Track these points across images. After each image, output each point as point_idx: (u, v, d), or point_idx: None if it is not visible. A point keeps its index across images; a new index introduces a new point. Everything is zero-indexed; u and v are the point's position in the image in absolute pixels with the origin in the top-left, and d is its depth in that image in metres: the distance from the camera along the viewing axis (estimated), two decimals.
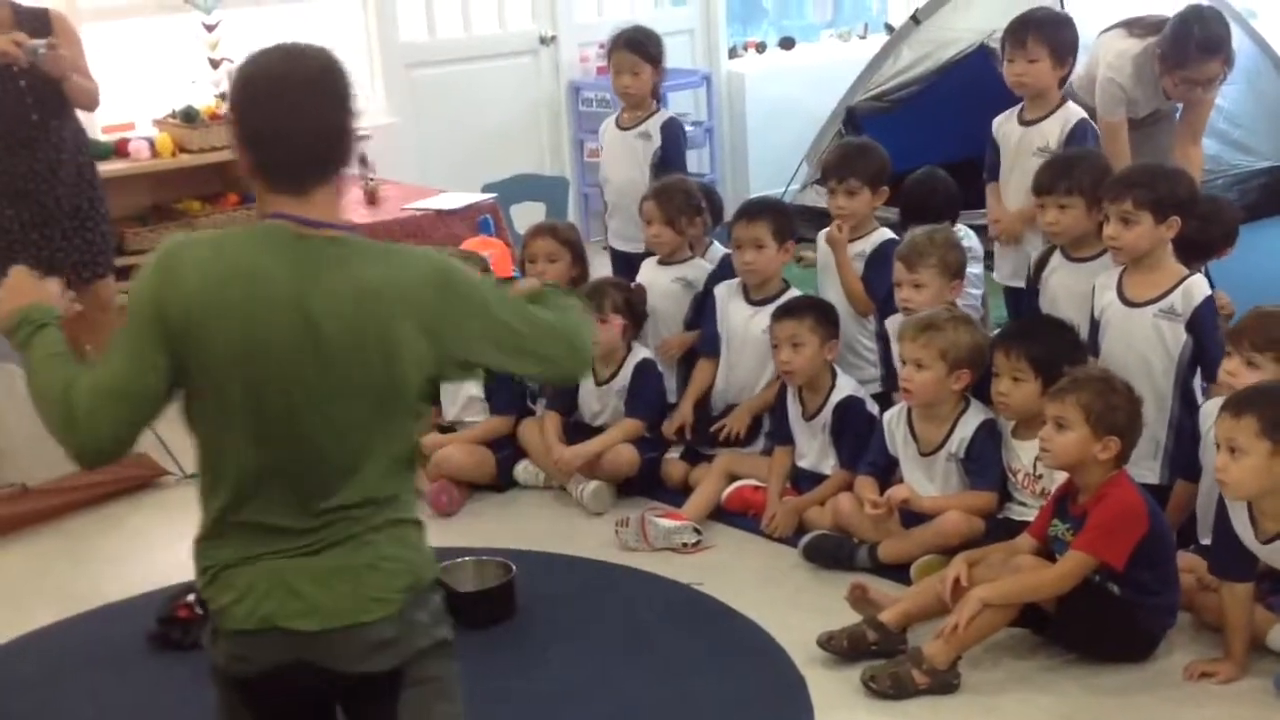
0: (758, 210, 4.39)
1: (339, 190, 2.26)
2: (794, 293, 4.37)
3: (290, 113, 2.22)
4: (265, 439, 2.24)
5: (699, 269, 4.65)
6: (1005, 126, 4.46)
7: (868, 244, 4.38)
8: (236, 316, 2.20)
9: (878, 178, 4.37)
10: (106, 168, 5.82)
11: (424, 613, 2.31)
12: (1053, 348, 3.60)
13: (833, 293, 4.41)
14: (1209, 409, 3.45)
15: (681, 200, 4.60)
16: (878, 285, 4.29)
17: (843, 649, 3.29)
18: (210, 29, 6.13)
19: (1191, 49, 4.60)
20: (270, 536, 2.27)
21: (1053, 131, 4.30)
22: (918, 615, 3.34)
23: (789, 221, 4.43)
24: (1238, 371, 3.35)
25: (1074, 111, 4.37)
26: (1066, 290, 3.96)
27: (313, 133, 2.22)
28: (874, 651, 3.27)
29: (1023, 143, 4.35)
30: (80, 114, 4.98)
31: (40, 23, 4.78)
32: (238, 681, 2.31)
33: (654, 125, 5.01)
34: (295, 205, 2.22)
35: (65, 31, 4.86)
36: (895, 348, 4.13)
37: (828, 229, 4.47)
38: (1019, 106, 4.42)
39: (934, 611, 3.32)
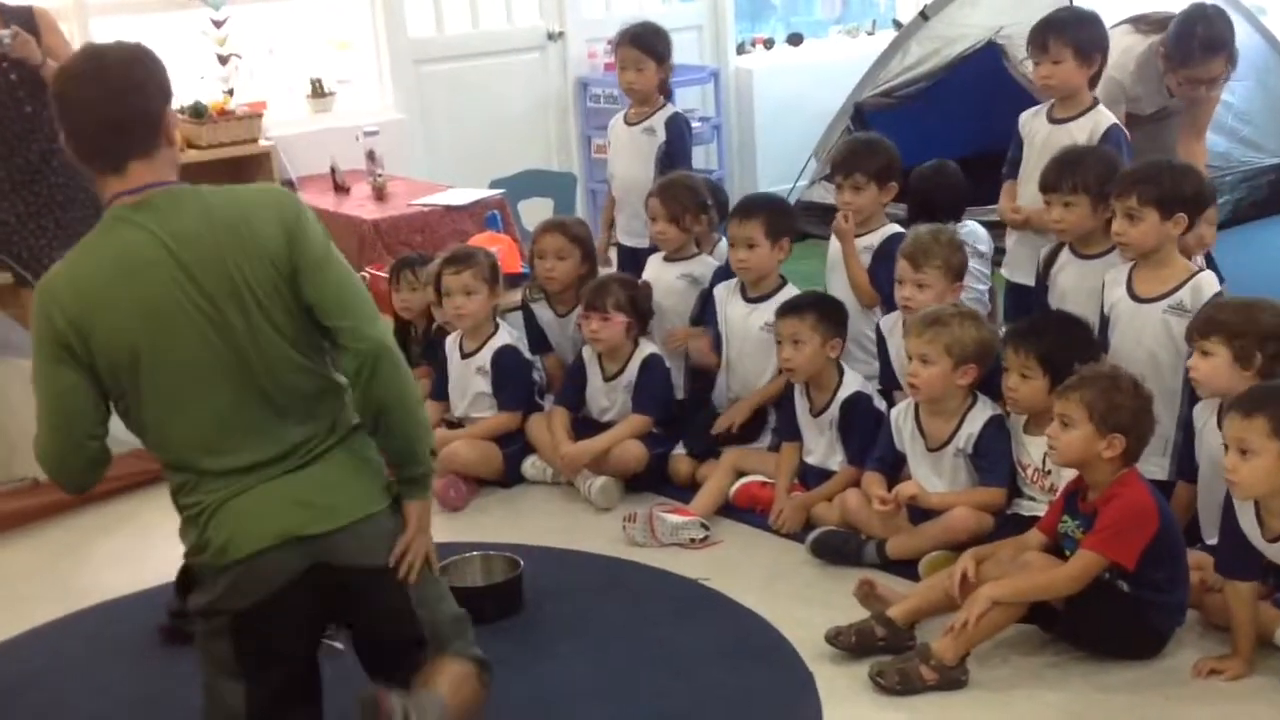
0: (751, 209, 4.38)
1: (161, 162, 2.59)
2: (791, 289, 4.37)
3: (86, 105, 2.55)
4: (211, 393, 2.56)
5: (705, 265, 4.65)
6: (1033, 123, 4.39)
7: (875, 238, 4.39)
8: (123, 300, 2.51)
9: (884, 173, 4.37)
10: None
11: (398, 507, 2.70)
12: (1062, 345, 3.59)
13: (841, 287, 4.42)
14: (1201, 408, 3.46)
15: (686, 197, 4.60)
16: (884, 280, 4.29)
17: (850, 645, 3.29)
18: (219, 25, 6.15)
19: (1195, 48, 4.60)
20: (251, 473, 2.59)
21: (1082, 133, 4.22)
22: (926, 611, 3.34)
23: (785, 219, 4.42)
24: (1195, 364, 3.37)
25: (1105, 116, 4.26)
26: (1075, 286, 3.97)
27: (107, 120, 2.54)
28: (882, 647, 3.27)
29: (1050, 141, 4.27)
30: None
31: (24, 20, 4.79)
32: (232, 621, 2.60)
33: (659, 121, 5.01)
34: (119, 183, 2.57)
35: (47, 24, 4.88)
36: (890, 346, 4.14)
37: (834, 223, 4.47)
38: (1049, 103, 4.36)
39: (942, 607, 3.31)
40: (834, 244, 4.50)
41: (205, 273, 2.53)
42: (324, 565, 2.59)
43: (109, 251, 2.57)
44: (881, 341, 4.25)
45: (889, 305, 4.26)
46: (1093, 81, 4.29)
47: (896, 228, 4.41)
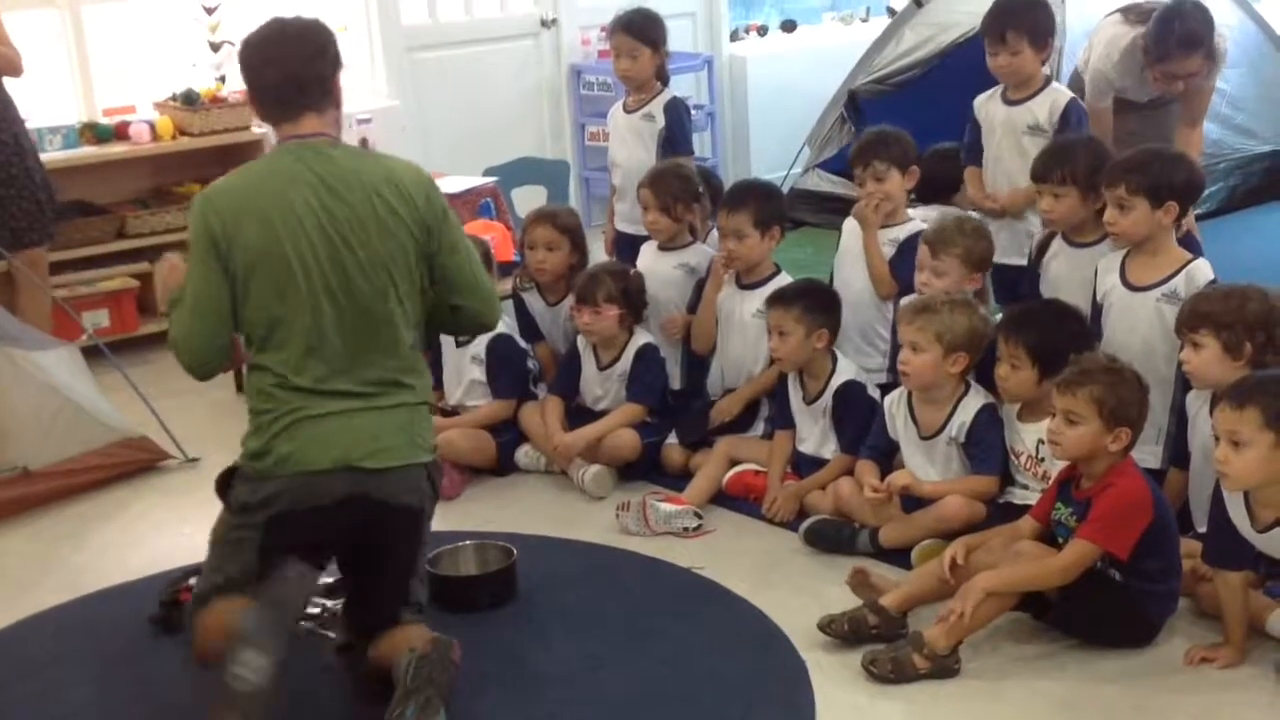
0: (738, 200, 4.36)
1: (329, 120, 3.09)
2: (784, 277, 4.37)
3: (271, 62, 3.05)
4: (315, 309, 2.96)
5: (701, 254, 4.64)
6: (988, 106, 4.50)
7: (901, 232, 4.35)
8: (268, 208, 2.96)
9: (904, 158, 4.36)
10: (107, 151, 5.84)
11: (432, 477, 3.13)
12: (1053, 335, 3.58)
13: (852, 274, 4.40)
14: (1193, 397, 3.46)
15: (677, 186, 4.59)
16: (905, 274, 4.29)
17: (843, 633, 3.29)
18: (210, 11, 6.13)
19: (1172, 44, 4.62)
20: (329, 399, 2.97)
21: (1042, 109, 4.36)
22: (919, 599, 3.35)
23: (773, 206, 4.40)
24: (1187, 358, 3.37)
25: (1062, 92, 4.42)
26: (1067, 275, 3.98)
27: (291, 76, 3.03)
28: (875, 636, 3.28)
29: (1010, 122, 4.40)
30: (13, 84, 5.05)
31: None
32: (267, 520, 2.95)
33: (657, 107, 4.99)
34: (291, 129, 3.06)
35: None
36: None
37: (855, 207, 4.45)
38: (1001, 87, 4.48)
39: (935, 595, 3.32)
40: (847, 232, 4.47)
41: (344, 206, 2.98)
42: (364, 496, 2.97)
43: (267, 170, 3.06)
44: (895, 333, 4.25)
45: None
46: (1044, 63, 4.42)
47: (922, 225, 4.37)
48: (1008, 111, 4.42)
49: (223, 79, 6.15)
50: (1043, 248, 4.10)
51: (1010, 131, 4.38)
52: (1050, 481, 3.45)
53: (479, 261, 3.24)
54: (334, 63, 3.10)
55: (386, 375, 3.04)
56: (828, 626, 3.31)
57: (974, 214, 4.43)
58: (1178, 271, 3.66)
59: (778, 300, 4.11)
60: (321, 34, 3.11)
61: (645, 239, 4.83)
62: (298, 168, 3.00)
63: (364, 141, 6.05)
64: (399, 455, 3.01)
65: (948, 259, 3.99)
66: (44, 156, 5.59)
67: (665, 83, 5.10)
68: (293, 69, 3.03)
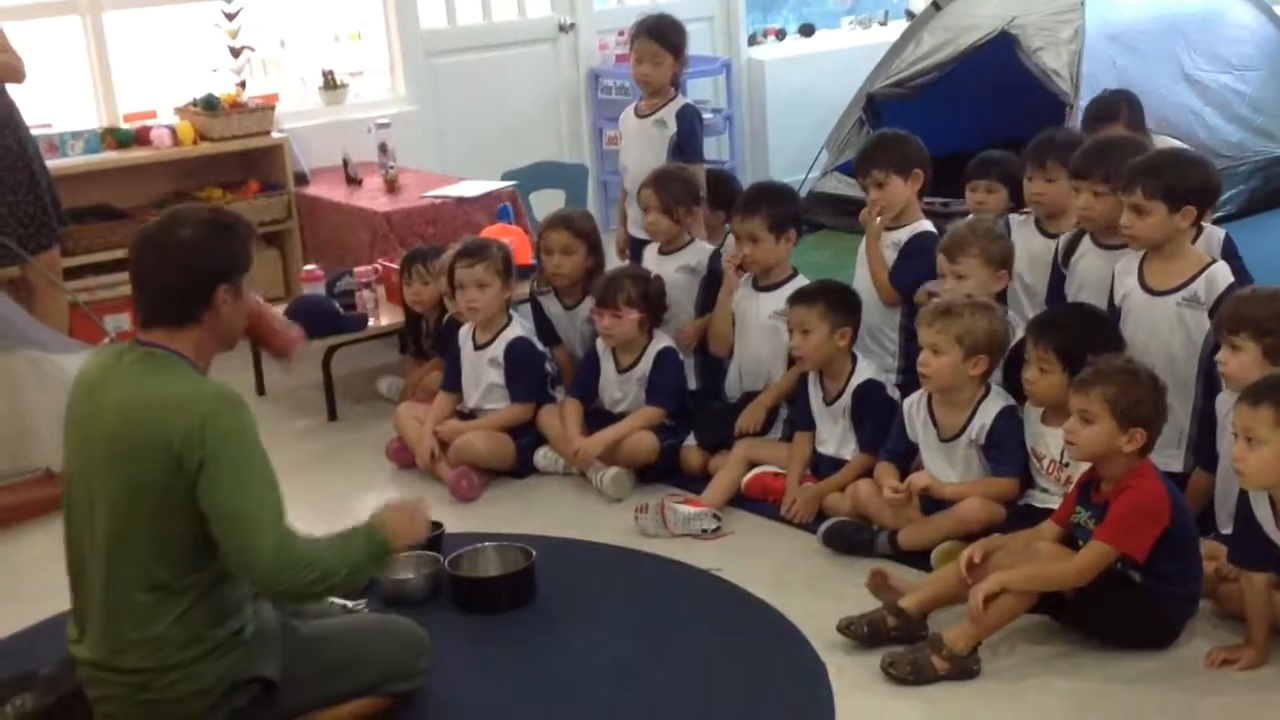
0: (752, 205, 4.36)
1: (188, 335, 2.78)
2: (801, 280, 4.37)
3: (143, 268, 2.81)
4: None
5: (700, 252, 4.65)
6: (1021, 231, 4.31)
7: (903, 234, 4.36)
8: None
9: (904, 164, 4.35)
10: (127, 156, 5.87)
11: None
12: (1081, 339, 3.55)
13: (865, 277, 4.41)
14: (1224, 399, 3.44)
15: (679, 189, 4.59)
16: (903, 277, 4.29)
17: (863, 635, 3.29)
18: (231, 17, 6.16)
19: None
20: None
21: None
22: (938, 601, 3.34)
23: (788, 209, 4.41)
24: (1225, 358, 3.34)
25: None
26: (1095, 276, 3.96)
27: (153, 289, 2.79)
28: (894, 637, 3.27)
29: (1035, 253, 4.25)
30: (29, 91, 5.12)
31: None
32: None
33: (669, 113, 4.99)
34: (146, 335, 2.80)
35: None
36: None
37: (863, 212, 4.46)
38: (1031, 216, 4.30)
39: (954, 598, 3.32)
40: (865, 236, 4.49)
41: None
42: None
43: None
44: (909, 337, 4.23)
45: (908, 304, 4.23)
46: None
47: (927, 225, 4.38)
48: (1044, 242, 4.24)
49: (243, 84, 6.18)
50: (1070, 248, 4.08)
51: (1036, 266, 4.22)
52: (1072, 486, 3.44)
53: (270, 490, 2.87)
54: (204, 270, 2.77)
55: None
56: (847, 629, 3.31)
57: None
58: (1197, 275, 3.65)
59: (800, 298, 4.11)
60: (196, 238, 2.78)
61: (652, 243, 4.81)
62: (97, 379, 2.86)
63: (383, 147, 6.07)
64: None
65: (967, 261, 3.99)
66: (66, 161, 5.66)
67: (678, 89, 5.10)
68: (157, 284, 2.79)
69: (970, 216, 4.28)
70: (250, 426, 2.76)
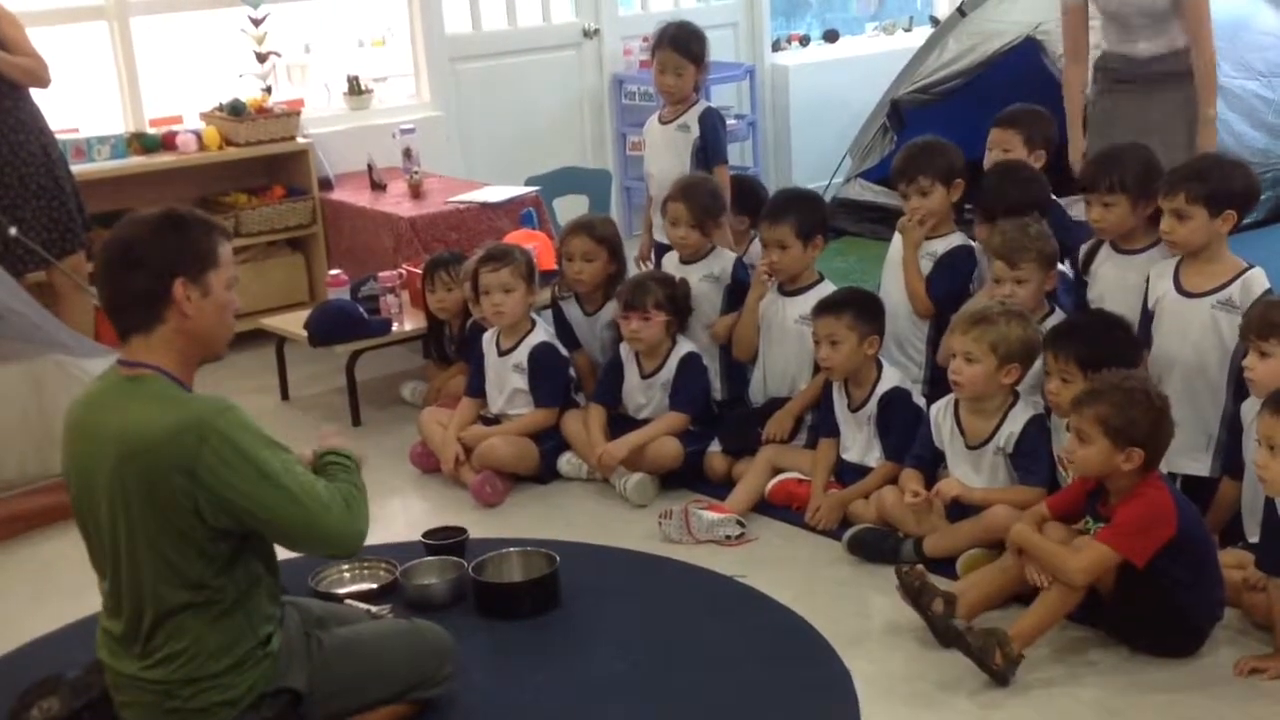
0: (780, 211, 4.36)
1: (161, 339, 2.74)
2: (827, 285, 4.36)
3: (103, 277, 2.80)
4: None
5: (724, 259, 4.64)
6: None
7: (941, 245, 4.34)
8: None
9: (949, 173, 4.34)
10: (154, 161, 5.90)
11: None
12: (1101, 347, 3.53)
13: (892, 284, 4.39)
14: (1250, 405, 3.42)
15: (708, 201, 4.59)
16: (938, 287, 4.28)
17: (911, 589, 3.27)
18: (257, 23, 6.18)
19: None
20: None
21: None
22: (981, 606, 3.34)
23: (815, 215, 4.40)
24: (1253, 365, 3.32)
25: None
26: (1115, 282, 3.94)
27: (115, 295, 2.77)
28: (928, 616, 3.26)
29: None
30: (37, 95, 5.10)
31: None
32: None
33: (692, 117, 4.99)
34: (125, 351, 2.79)
35: (3, 15, 4.96)
36: None
37: (899, 220, 4.43)
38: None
39: (993, 600, 3.34)
40: (895, 243, 4.46)
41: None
42: None
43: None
44: (936, 350, 4.22)
45: (942, 316, 4.20)
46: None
47: (963, 238, 4.36)
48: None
49: (269, 90, 6.20)
50: (1090, 255, 4.06)
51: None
52: (1073, 480, 3.43)
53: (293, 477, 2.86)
54: (158, 270, 2.73)
55: None
56: (904, 573, 3.29)
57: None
58: (1234, 279, 3.63)
59: (826, 309, 4.09)
60: (151, 237, 2.76)
61: (671, 250, 4.80)
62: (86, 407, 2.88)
63: (407, 152, 6.08)
64: None
65: (1026, 266, 3.95)
66: (92, 166, 5.69)
67: (702, 94, 5.10)
68: (116, 289, 2.77)
69: (1014, 219, 4.06)
70: (243, 426, 2.73)
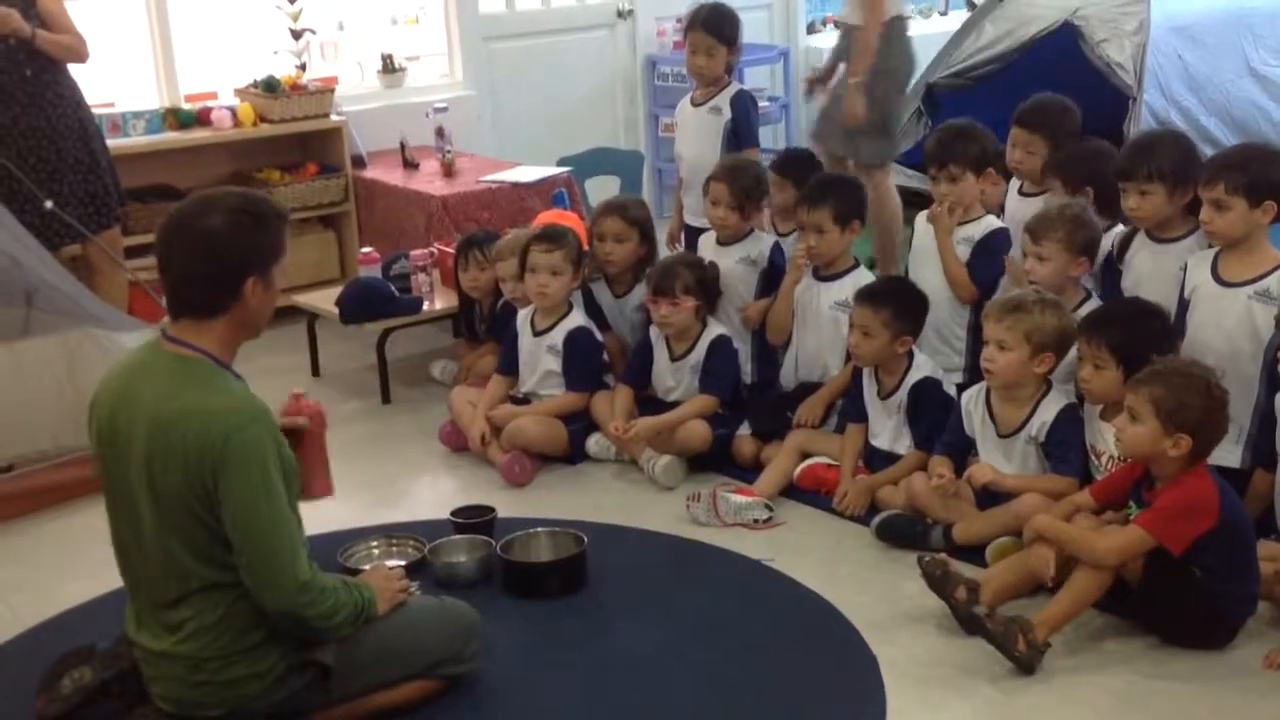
0: (820, 195, 4.34)
1: (216, 325, 2.76)
2: (863, 271, 4.34)
3: (172, 260, 2.76)
4: None
5: (761, 242, 4.63)
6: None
7: (976, 230, 4.33)
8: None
9: (980, 160, 4.32)
10: (189, 136, 5.92)
11: None
12: (1135, 335, 3.52)
13: (927, 273, 4.37)
14: None
15: (750, 183, 4.57)
16: (982, 273, 4.26)
17: (934, 576, 3.27)
18: (292, 0, 6.18)
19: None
20: None
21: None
22: (1006, 594, 3.33)
23: (854, 200, 4.38)
24: None
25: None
26: (1151, 271, 3.92)
27: (181, 281, 2.76)
28: (950, 604, 3.25)
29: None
30: (74, 69, 5.13)
31: None
32: None
33: (724, 100, 4.98)
34: (175, 328, 2.80)
35: None
36: None
37: (929, 209, 4.41)
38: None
39: (1018, 589, 3.33)
40: (921, 232, 4.44)
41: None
42: None
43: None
44: (978, 336, 4.19)
45: (986, 301, 4.16)
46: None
47: (997, 221, 4.34)
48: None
49: (303, 66, 6.21)
50: (1125, 244, 4.04)
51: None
52: (1118, 467, 3.41)
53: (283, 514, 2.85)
54: (234, 258, 2.72)
55: None
56: (925, 561, 3.29)
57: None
58: (1272, 270, 3.60)
59: (867, 299, 4.07)
60: (224, 225, 2.72)
61: (708, 231, 4.79)
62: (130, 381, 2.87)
63: (440, 131, 6.08)
64: None
65: (1049, 244, 3.94)
66: (128, 141, 5.71)
67: (732, 75, 5.08)
68: (183, 272, 2.76)
69: (1069, 200, 4.06)
70: (271, 442, 2.74)
